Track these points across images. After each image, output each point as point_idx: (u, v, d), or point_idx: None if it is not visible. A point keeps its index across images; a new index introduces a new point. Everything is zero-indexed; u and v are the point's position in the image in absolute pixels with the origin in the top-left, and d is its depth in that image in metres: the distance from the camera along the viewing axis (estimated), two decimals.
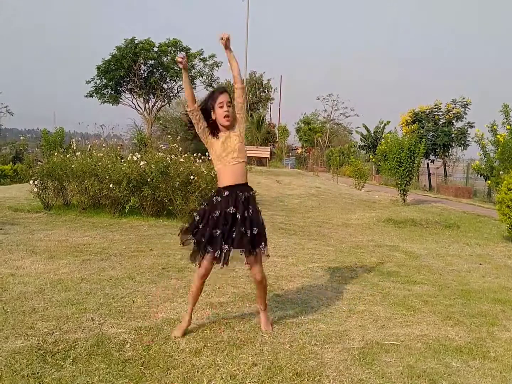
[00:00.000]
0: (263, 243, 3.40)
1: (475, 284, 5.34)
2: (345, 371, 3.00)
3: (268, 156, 31.37)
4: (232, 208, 3.25)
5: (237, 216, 3.25)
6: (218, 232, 3.25)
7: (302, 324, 3.80)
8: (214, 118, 3.39)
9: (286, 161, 42.44)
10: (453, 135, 23.77)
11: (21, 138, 23.70)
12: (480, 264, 6.41)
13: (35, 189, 9.28)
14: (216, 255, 3.27)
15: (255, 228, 3.30)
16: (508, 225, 8.38)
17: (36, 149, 22.93)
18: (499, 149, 13.05)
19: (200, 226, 3.32)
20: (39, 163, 10.27)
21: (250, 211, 3.31)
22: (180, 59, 3.31)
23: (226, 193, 3.29)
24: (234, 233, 3.26)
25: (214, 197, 3.34)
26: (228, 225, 3.26)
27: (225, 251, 3.25)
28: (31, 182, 9.33)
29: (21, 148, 22.07)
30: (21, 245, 6.14)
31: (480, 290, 5.08)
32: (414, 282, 5.27)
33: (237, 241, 3.25)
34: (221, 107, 3.32)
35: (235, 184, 3.32)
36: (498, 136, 13.53)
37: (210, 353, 3.16)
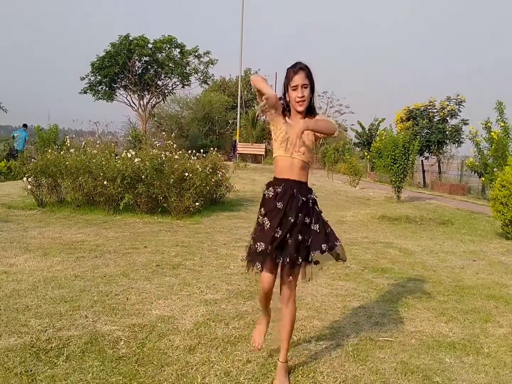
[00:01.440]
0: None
1: (468, 280, 5.36)
2: (339, 367, 3.01)
3: (263, 153, 31.32)
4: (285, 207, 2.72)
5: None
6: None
7: (296, 320, 3.78)
8: (288, 100, 2.83)
9: None
10: (447, 132, 23.81)
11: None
12: (474, 260, 6.44)
13: (29, 186, 9.23)
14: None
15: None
16: (501, 222, 8.41)
17: (30, 146, 22.78)
18: (493, 146, 13.10)
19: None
20: (32, 160, 10.22)
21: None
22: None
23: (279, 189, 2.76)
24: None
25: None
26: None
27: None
28: (24, 179, 9.28)
29: (15, 145, 21.92)
30: (14, 243, 6.11)
31: (474, 286, 5.09)
32: (408, 278, 5.29)
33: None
34: (295, 89, 2.77)
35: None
36: (492, 133, 13.58)
37: (204, 350, 3.16)
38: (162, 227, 7.86)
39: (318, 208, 2.85)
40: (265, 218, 2.74)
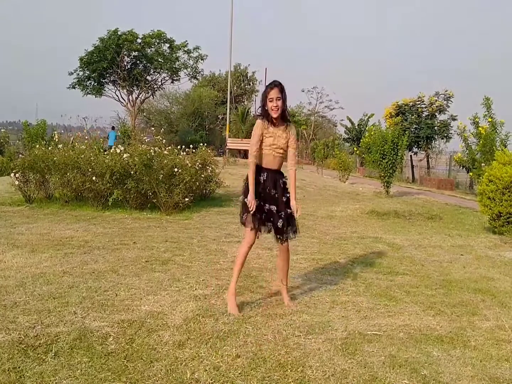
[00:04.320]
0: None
1: (456, 274, 5.41)
2: (328, 361, 3.02)
3: None
4: (274, 190, 3.89)
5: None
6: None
7: (286, 315, 3.82)
8: (266, 109, 3.81)
9: None
10: (436, 127, 23.99)
11: (2, 130, 23.32)
12: (461, 254, 6.50)
13: (17, 182, 9.16)
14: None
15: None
16: (489, 216, 8.49)
17: (17, 141, 22.61)
18: (481, 142, 13.21)
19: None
20: (20, 155, 10.14)
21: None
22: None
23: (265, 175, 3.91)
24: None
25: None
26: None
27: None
28: (12, 175, 9.21)
29: (2, 140, 21.72)
30: (2, 239, 6.06)
31: (461, 280, 5.14)
32: (397, 273, 5.32)
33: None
34: (271, 101, 3.76)
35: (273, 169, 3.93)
36: (480, 128, 13.67)
37: (194, 346, 3.16)
38: (151, 223, 7.84)
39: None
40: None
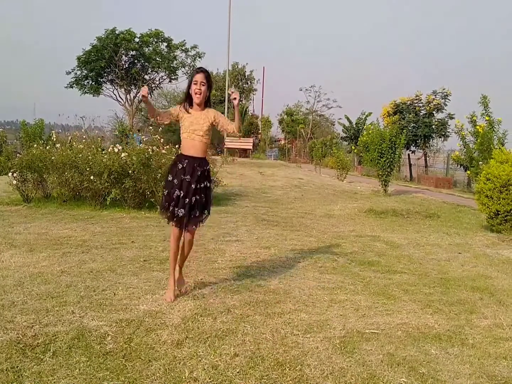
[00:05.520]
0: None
1: (454, 272, 5.42)
2: (326, 360, 3.03)
3: (251, 147, 31.26)
4: (189, 177, 3.81)
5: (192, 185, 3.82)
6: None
7: (284, 314, 3.82)
8: (190, 93, 3.83)
9: (269, 152, 42.54)
10: (433, 126, 24.02)
11: (0, 130, 23.27)
12: (459, 253, 6.51)
13: (14, 182, 9.14)
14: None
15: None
16: (486, 215, 8.51)
17: (15, 141, 22.56)
18: (479, 140, 13.20)
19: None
20: (18, 155, 10.12)
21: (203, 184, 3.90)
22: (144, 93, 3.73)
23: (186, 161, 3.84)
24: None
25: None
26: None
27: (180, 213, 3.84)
28: (10, 174, 9.19)
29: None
30: None
31: (459, 278, 5.16)
32: (395, 271, 5.33)
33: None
34: (195, 84, 3.78)
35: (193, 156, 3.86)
36: (478, 127, 13.67)
37: (192, 345, 3.16)
38: (149, 222, 7.83)
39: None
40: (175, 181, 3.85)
